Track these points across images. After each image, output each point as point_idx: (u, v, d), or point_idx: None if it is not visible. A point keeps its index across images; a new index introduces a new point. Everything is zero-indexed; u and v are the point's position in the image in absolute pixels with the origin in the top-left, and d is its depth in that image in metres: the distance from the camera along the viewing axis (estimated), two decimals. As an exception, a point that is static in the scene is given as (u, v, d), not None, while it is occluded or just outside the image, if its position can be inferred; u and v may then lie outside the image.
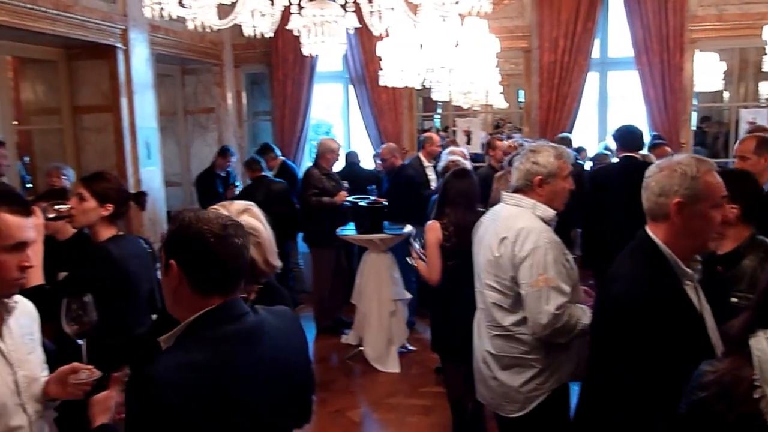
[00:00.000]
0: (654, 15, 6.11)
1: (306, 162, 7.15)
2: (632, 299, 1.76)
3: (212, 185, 6.39)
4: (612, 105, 7.08)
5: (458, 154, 4.91)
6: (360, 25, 2.50)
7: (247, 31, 2.27)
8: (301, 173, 6.41)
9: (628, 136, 4.62)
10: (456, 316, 3.45)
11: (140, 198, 2.88)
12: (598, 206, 4.70)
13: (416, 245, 3.71)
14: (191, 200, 7.10)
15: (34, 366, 1.76)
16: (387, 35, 4.61)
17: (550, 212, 2.51)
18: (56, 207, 2.62)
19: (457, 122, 7.15)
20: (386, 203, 5.44)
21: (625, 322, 1.75)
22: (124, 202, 2.67)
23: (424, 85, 5.02)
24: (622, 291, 1.82)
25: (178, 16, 2.08)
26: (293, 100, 6.95)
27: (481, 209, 3.34)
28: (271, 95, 7.20)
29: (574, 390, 2.46)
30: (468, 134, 6.87)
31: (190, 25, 2.17)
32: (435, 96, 5.32)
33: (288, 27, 2.42)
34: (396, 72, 4.84)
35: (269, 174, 6.27)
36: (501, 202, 2.65)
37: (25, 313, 1.78)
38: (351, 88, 7.13)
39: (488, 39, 4.86)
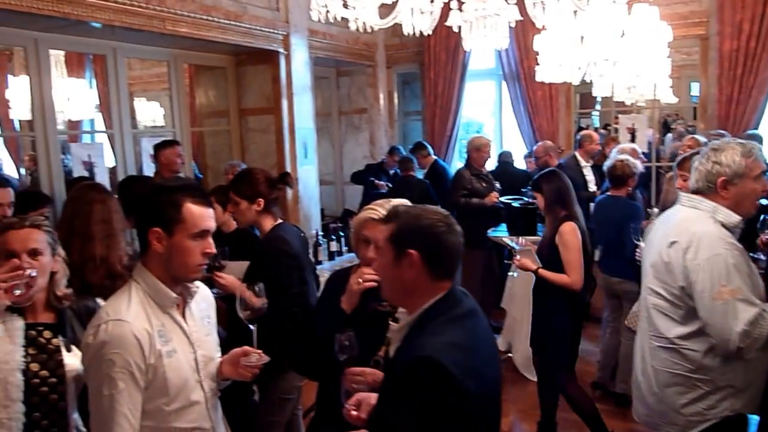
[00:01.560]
0: None
1: (456, 161, 7.19)
2: None
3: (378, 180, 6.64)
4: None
5: (628, 153, 4.66)
6: (522, 18, 2.47)
7: (407, 30, 2.33)
8: (451, 173, 6.44)
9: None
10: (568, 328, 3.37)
11: (286, 178, 3.12)
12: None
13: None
14: (343, 198, 7.44)
15: (211, 347, 1.95)
16: (545, 28, 4.49)
17: (734, 218, 2.27)
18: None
19: (620, 119, 6.78)
20: (540, 204, 5.30)
21: None
22: (271, 191, 2.91)
23: (583, 80, 4.83)
24: None
25: (341, 18, 2.21)
26: (444, 99, 7.02)
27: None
28: (422, 94, 7.33)
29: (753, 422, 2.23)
30: (632, 132, 6.49)
31: (353, 26, 2.29)
32: (596, 91, 5.09)
33: (447, 23, 2.45)
34: (553, 67, 4.71)
35: (419, 173, 6.39)
36: (677, 203, 2.47)
37: (204, 297, 1.98)
38: (504, 85, 7.05)
39: (659, 27, 4.55)
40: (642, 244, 3.21)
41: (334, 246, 5.68)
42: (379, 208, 2.05)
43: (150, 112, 9.57)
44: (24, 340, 1.95)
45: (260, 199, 2.86)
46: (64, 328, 2.05)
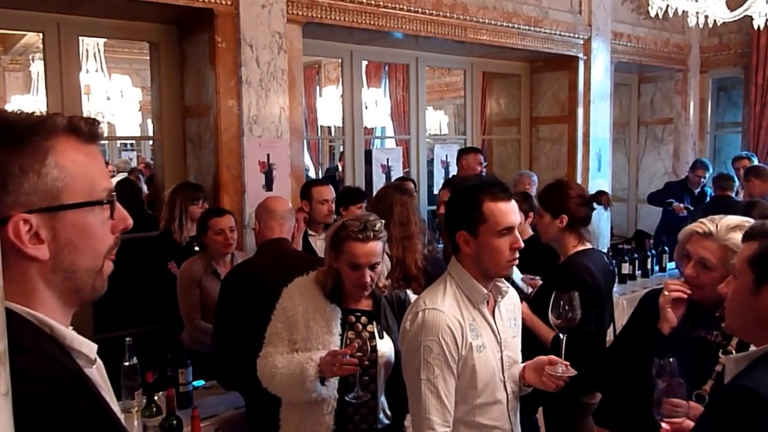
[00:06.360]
0: None
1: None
2: None
3: (679, 201, 6.07)
4: None
5: None
6: None
7: (758, 22, 2.14)
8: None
9: None
10: None
11: (600, 198, 2.88)
12: None
13: None
14: (636, 218, 7.06)
15: (516, 349, 2.02)
16: None
17: None
18: None
19: None
20: None
21: None
22: (579, 209, 2.73)
23: None
24: None
25: (682, 12, 2.11)
26: (773, 108, 6.24)
27: None
28: (744, 103, 6.62)
29: None
30: None
31: (692, 21, 2.18)
32: None
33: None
34: None
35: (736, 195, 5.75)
36: None
37: (511, 299, 2.06)
38: None
39: None
40: None
41: (625, 268, 5.40)
42: (708, 223, 1.94)
43: (435, 120, 10.29)
44: (342, 326, 2.21)
45: (564, 216, 2.71)
46: (379, 315, 2.30)
